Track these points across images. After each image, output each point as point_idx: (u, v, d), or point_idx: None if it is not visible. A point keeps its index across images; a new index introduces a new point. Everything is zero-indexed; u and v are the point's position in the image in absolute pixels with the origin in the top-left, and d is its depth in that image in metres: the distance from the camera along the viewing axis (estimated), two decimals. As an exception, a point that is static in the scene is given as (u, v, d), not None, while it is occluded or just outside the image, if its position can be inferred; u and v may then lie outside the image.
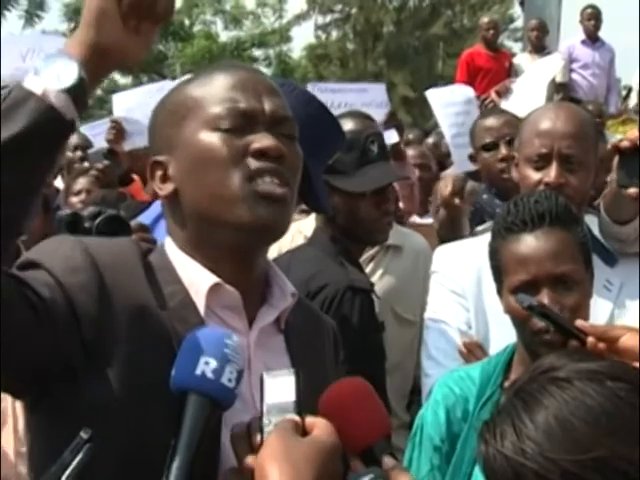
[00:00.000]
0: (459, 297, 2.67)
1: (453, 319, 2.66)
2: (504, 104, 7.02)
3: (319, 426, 1.31)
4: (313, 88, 6.14)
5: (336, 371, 1.72)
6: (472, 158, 4.06)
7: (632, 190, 2.48)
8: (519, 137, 2.74)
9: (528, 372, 1.40)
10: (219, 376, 1.30)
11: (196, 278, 1.53)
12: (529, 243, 2.02)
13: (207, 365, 1.30)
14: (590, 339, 1.73)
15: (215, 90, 1.56)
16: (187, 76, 1.79)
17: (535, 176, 2.57)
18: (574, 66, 9.71)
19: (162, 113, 1.62)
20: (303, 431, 1.30)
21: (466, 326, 2.63)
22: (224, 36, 30.17)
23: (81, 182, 5.11)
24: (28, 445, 1.56)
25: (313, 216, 3.12)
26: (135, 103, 6.29)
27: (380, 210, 2.91)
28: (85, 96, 1.35)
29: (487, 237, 2.76)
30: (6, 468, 2.41)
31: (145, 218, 4.13)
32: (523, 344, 2.07)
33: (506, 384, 2.05)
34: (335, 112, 4.38)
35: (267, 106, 1.55)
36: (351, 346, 2.74)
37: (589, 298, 2.06)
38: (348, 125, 3.01)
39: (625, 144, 2.43)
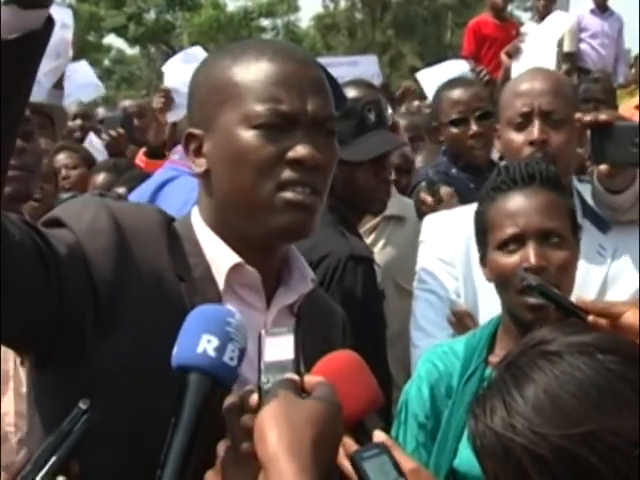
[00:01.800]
0: (448, 266, 2.65)
1: (442, 288, 2.63)
2: (515, 65, 6.93)
3: (320, 386, 1.28)
4: None
5: None
6: (433, 131, 3.99)
7: (603, 167, 2.49)
8: (499, 104, 2.74)
9: (519, 346, 1.39)
10: (221, 354, 1.28)
11: (218, 255, 1.53)
12: (518, 199, 2.02)
13: (209, 343, 1.27)
14: (591, 317, 1.72)
15: (259, 83, 1.51)
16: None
17: (518, 137, 2.57)
18: (583, 35, 9.61)
19: (203, 87, 1.57)
20: (302, 390, 1.27)
21: (455, 295, 2.61)
22: (232, 6, 30.18)
23: (60, 159, 5.00)
24: (29, 405, 1.54)
25: None
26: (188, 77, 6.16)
27: (378, 178, 2.89)
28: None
29: (475, 205, 2.78)
30: (8, 451, 2.42)
31: (146, 187, 4.13)
32: (507, 310, 2.05)
33: (491, 358, 2.04)
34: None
35: (310, 106, 1.51)
36: (354, 314, 2.75)
37: (576, 261, 2.05)
38: (347, 94, 2.99)
39: (588, 119, 2.45)
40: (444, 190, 3.23)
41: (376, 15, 25.52)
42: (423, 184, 3.37)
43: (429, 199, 3.19)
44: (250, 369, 1.38)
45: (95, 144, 5.68)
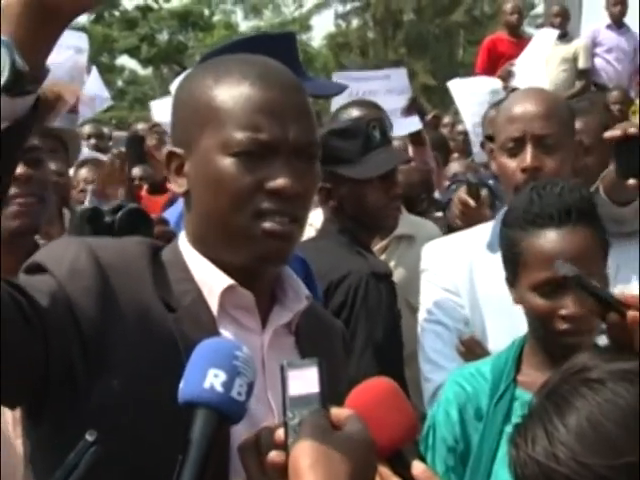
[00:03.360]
0: (453, 295, 2.59)
1: (449, 318, 2.58)
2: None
3: (351, 420, 1.25)
4: (337, 78, 6.09)
5: (346, 373, 1.68)
6: (482, 145, 4.00)
7: (632, 181, 2.43)
8: (493, 128, 2.69)
9: (559, 373, 1.36)
10: (229, 389, 1.24)
11: (209, 278, 1.50)
12: (556, 241, 1.95)
13: (216, 377, 1.24)
14: (631, 312, 1.67)
15: (239, 109, 1.48)
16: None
17: (512, 164, 2.48)
18: (598, 50, 9.59)
19: (186, 106, 1.55)
20: (332, 425, 1.24)
21: (462, 324, 2.56)
22: (244, 26, 30.26)
23: (81, 173, 5.04)
24: (30, 457, 1.52)
25: (320, 208, 3.09)
26: None
27: (388, 196, 2.90)
28: (29, 81, 1.20)
29: (477, 229, 2.72)
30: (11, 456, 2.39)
31: (170, 214, 4.12)
32: (540, 342, 2.01)
33: (519, 377, 2.01)
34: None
35: (292, 134, 1.48)
36: (380, 331, 2.72)
37: None
38: (351, 114, 2.97)
39: (616, 133, 2.39)
40: (484, 193, 3.18)
41: (388, 33, 25.58)
42: (463, 187, 3.31)
43: (471, 201, 3.12)
44: (254, 402, 1.36)
45: (85, 154, 5.71)
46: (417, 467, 1.33)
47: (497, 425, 1.96)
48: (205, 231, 1.52)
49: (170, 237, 1.83)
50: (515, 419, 1.94)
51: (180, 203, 4.11)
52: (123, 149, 5.55)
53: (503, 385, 2.01)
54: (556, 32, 8.42)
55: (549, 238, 1.96)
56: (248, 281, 1.51)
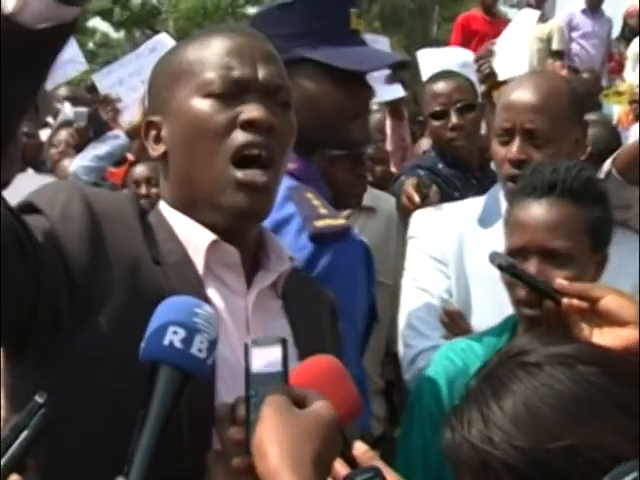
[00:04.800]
0: (439, 264, 2.58)
1: (434, 287, 2.57)
2: None
3: (314, 398, 1.25)
4: None
5: (333, 342, 1.68)
6: (421, 124, 3.98)
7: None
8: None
9: (497, 356, 1.35)
10: (188, 346, 1.24)
11: (194, 235, 1.52)
12: (530, 210, 1.96)
13: (175, 335, 1.24)
14: (565, 300, 1.67)
15: (210, 55, 1.54)
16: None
17: (501, 151, 2.47)
18: (574, 35, 9.58)
19: (159, 74, 1.61)
20: (295, 403, 1.24)
21: (447, 294, 2.55)
22: (216, -11, 29.84)
23: (62, 134, 5.05)
24: (9, 393, 1.50)
25: None
26: (118, 79, 6.17)
27: (355, 173, 2.88)
28: None
29: (469, 202, 2.72)
30: None
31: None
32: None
33: None
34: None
35: (261, 74, 1.53)
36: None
37: (587, 280, 1.91)
38: None
39: None
40: (433, 190, 3.16)
41: (363, 7, 25.47)
42: (412, 180, 3.30)
43: (417, 198, 3.11)
44: (231, 351, 1.40)
45: (67, 112, 5.66)
46: (359, 448, 1.34)
47: None
48: (184, 193, 1.54)
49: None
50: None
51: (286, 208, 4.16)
52: (83, 124, 5.57)
53: None
54: (537, 13, 8.40)
55: (526, 207, 1.98)
56: (231, 240, 1.52)
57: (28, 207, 1.43)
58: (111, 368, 1.38)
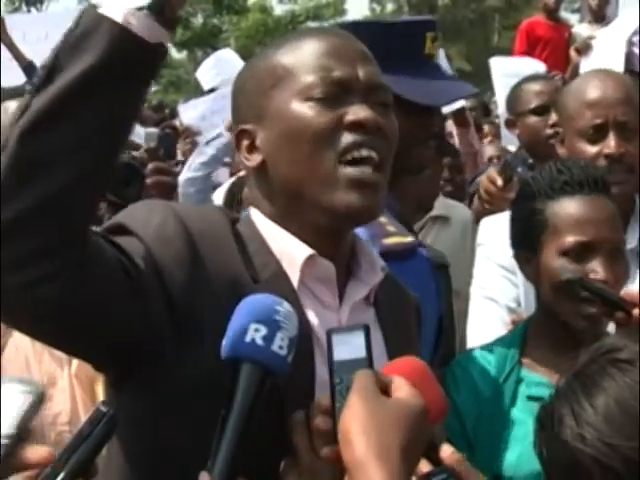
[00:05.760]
0: (508, 272, 2.55)
1: (501, 296, 2.54)
2: (584, 62, 6.78)
3: (402, 386, 1.21)
4: None
5: (418, 346, 1.65)
6: (509, 123, 3.94)
7: None
8: (563, 110, 2.62)
9: (588, 353, 1.34)
10: (270, 343, 1.25)
11: (289, 249, 1.47)
12: (588, 206, 1.96)
13: (257, 332, 1.24)
14: (636, 311, 1.66)
15: (307, 57, 1.48)
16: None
17: (592, 149, 2.45)
18: (634, 39, 9.45)
19: (249, 81, 1.55)
20: (381, 391, 1.21)
21: (515, 303, 2.52)
22: (279, 9, 30.17)
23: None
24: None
25: None
26: (201, 113, 6.30)
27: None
28: (173, 13, 1.27)
29: None
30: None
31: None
32: (550, 319, 2.00)
33: (524, 359, 2.02)
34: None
35: (362, 73, 1.48)
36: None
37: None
38: None
39: None
40: (515, 179, 3.14)
41: (438, 31, 25.45)
42: (494, 167, 3.28)
43: (500, 181, 3.08)
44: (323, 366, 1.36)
45: (138, 133, 5.80)
46: (446, 450, 1.31)
47: (504, 406, 1.96)
48: (286, 200, 1.49)
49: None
50: (521, 400, 1.95)
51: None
52: (153, 144, 5.63)
53: (508, 367, 2.01)
54: (638, 13, 8.28)
55: (581, 203, 1.96)
56: (329, 249, 1.48)
57: (119, 228, 1.39)
58: (213, 391, 1.30)
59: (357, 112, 1.44)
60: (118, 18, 1.23)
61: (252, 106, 1.52)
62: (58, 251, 1.22)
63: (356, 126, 1.43)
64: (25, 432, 1.17)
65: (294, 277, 1.45)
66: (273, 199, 1.51)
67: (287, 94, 1.47)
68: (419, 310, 1.73)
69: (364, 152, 1.43)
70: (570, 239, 1.95)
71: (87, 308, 1.27)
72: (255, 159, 1.51)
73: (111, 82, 1.23)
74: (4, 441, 1.14)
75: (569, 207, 1.97)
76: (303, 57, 1.49)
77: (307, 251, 1.46)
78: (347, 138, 1.44)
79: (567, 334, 1.93)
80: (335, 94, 1.45)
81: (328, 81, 1.45)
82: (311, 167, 1.44)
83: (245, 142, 1.52)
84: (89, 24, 1.24)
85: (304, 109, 1.45)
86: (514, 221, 2.12)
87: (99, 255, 1.29)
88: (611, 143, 2.43)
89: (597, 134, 2.45)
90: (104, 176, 1.29)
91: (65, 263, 1.22)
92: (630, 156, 2.43)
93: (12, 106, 2.50)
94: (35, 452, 1.15)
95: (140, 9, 1.25)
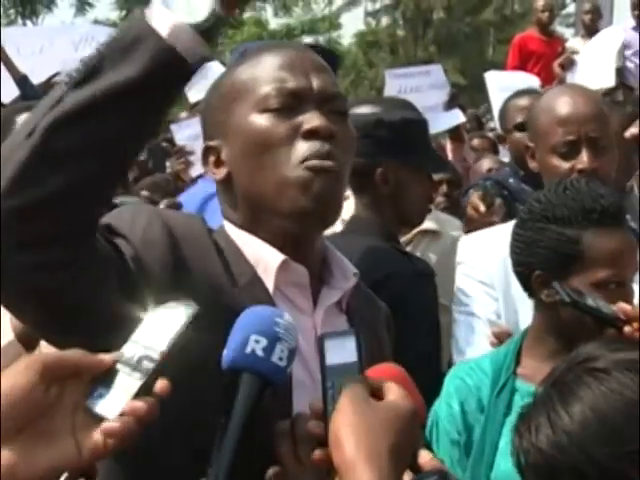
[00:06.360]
0: (487, 287, 2.59)
1: (482, 310, 2.58)
2: (569, 77, 6.81)
3: (392, 389, 1.23)
4: (388, 75, 6.57)
5: (390, 356, 1.67)
6: (500, 139, 3.99)
7: None
8: (534, 126, 2.65)
9: (565, 362, 1.36)
10: (270, 354, 1.26)
11: (263, 256, 1.51)
12: (621, 240, 1.98)
13: (257, 343, 1.26)
14: (627, 328, 1.68)
15: (263, 71, 1.55)
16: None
17: (564, 165, 2.48)
18: (627, 53, 9.49)
19: (213, 98, 1.61)
20: (372, 394, 1.23)
21: (495, 316, 2.56)
22: (274, 23, 30.26)
23: None
24: None
25: (351, 200, 3.06)
26: (195, 133, 6.29)
27: (430, 195, 2.91)
28: (216, 31, 1.32)
29: (512, 224, 2.71)
30: None
31: (190, 201, 4.18)
32: (550, 334, 2.03)
33: (519, 370, 2.04)
34: (406, 96, 4.41)
35: (315, 83, 1.53)
36: (426, 330, 2.71)
37: None
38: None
39: (636, 131, 2.41)
40: (498, 201, 3.19)
41: (418, 32, 25.53)
42: (478, 192, 3.33)
43: (482, 207, 3.14)
44: (305, 371, 1.40)
45: None
46: (424, 456, 1.33)
47: (499, 417, 1.99)
48: (251, 209, 1.54)
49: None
50: (516, 411, 1.96)
51: (190, 198, 4.25)
52: (143, 157, 5.68)
53: (503, 377, 2.04)
54: (623, 30, 8.33)
55: (615, 237, 1.98)
56: (300, 255, 1.52)
57: (106, 229, 1.41)
58: (194, 392, 1.35)
59: (310, 120, 1.50)
60: (165, 31, 1.27)
61: (215, 122, 1.59)
62: (74, 239, 1.27)
63: (311, 134, 1.49)
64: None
65: (269, 283, 1.50)
66: (240, 209, 1.56)
67: (246, 107, 1.53)
68: (388, 318, 1.76)
69: (320, 161, 1.48)
70: (603, 273, 1.95)
71: (86, 299, 1.30)
72: (221, 172, 1.57)
73: (145, 96, 1.27)
74: (157, 357, 1.17)
75: (605, 240, 1.97)
76: (260, 71, 1.55)
77: (280, 257, 1.50)
78: (303, 147, 1.49)
79: (562, 346, 1.95)
80: (290, 104, 1.51)
81: (283, 92, 1.51)
82: (270, 176, 1.49)
83: (211, 158, 1.59)
84: (137, 34, 1.27)
85: (261, 120, 1.51)
86: (534, 243, 2.05)
87: (101, 249, 1.33)
88: (584, 158, 2.46)
89: (570, 150, 2.48)
90: (116, 177, 1.35)
91: (80, 252, 1.27)
92: (602, 171, 2.46)
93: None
94: None
95: (192, 26, 1.27)
